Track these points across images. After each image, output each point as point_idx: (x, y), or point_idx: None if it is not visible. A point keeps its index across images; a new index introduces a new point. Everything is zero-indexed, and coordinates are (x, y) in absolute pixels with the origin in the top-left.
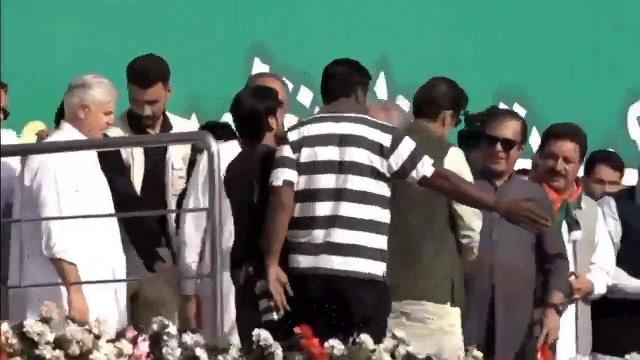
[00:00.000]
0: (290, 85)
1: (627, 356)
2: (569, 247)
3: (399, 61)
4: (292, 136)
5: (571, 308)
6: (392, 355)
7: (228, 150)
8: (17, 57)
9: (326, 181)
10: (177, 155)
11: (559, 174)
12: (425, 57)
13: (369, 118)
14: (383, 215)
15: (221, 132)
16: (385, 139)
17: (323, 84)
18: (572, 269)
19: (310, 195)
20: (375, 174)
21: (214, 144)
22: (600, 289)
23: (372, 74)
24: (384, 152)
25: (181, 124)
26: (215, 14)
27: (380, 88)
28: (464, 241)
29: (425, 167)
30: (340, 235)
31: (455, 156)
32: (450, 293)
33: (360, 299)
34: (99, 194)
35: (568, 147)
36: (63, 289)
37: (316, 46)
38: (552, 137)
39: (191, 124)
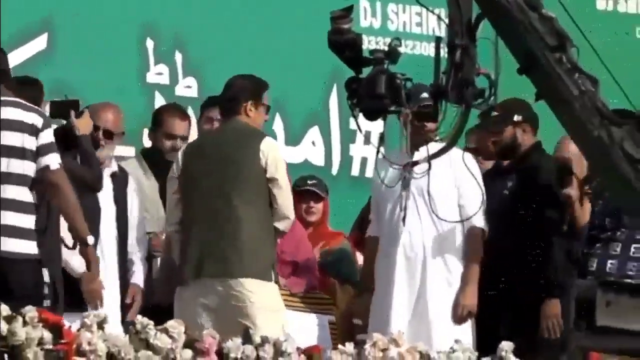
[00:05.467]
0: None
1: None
2: None
3: None
4: None
5: None
6: None
7: None
8: None
9: None
10: None
11: None
12: None
13: (25, 103)
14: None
15: None
16: (38, 121)
17: None
18: None
19: None
20: (32, 156)
21: None
22: None
23: None
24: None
25: None
26: None
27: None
28: (280, 226)
29: (53, 160)
30: (5, 217)
31: (272, 144)
32: (273, 272)
33: (17, 277)
34: None
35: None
36: None
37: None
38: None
39: None
